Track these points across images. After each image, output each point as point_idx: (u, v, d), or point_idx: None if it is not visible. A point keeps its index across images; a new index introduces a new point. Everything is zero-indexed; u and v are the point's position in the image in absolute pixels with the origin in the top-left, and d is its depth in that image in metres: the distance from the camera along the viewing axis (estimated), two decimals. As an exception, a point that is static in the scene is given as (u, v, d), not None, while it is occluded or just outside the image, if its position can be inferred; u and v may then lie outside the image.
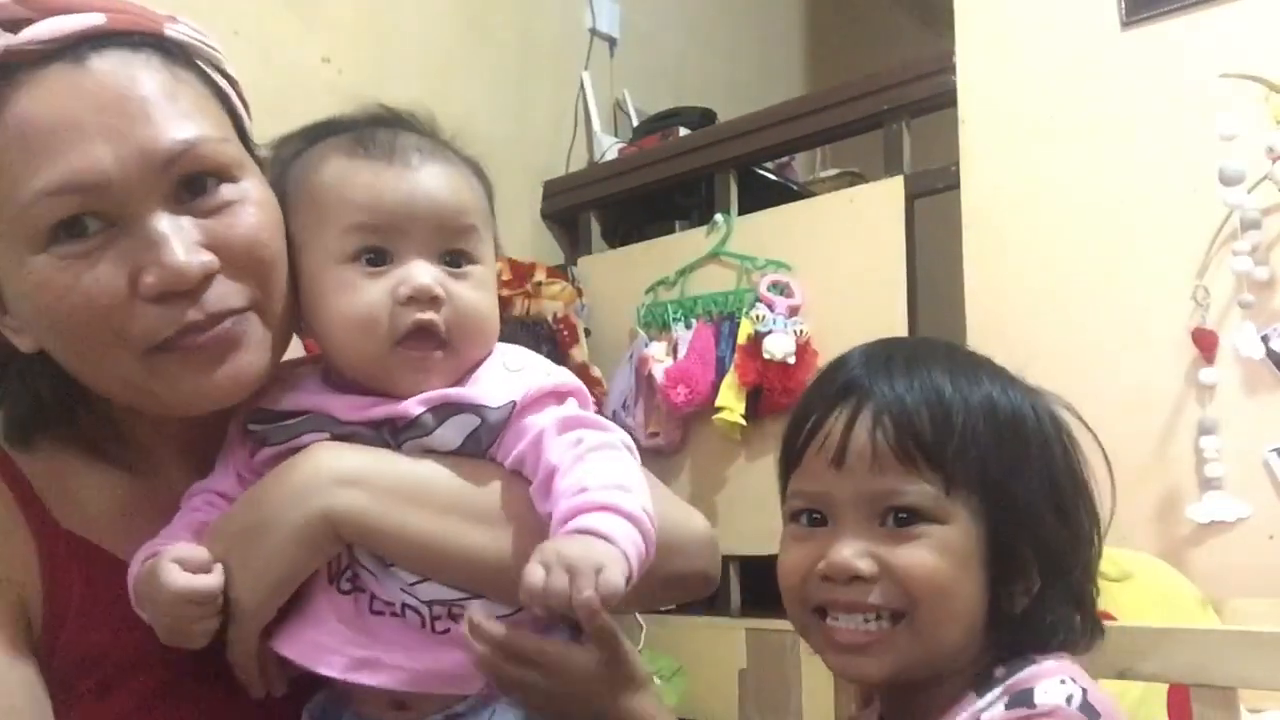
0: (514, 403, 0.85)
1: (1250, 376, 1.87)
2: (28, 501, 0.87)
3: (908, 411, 0.77)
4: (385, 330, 0.84)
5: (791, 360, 2.40)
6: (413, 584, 0.84)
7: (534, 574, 0.72)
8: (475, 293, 0.87)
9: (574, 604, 0.71)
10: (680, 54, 3.62)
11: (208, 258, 0.81)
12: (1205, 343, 1.89)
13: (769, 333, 2.42)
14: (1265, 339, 1.85)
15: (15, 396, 0.91)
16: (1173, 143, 1.97)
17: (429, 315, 0.84)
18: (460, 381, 0.86)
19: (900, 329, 2.33)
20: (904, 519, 0.77)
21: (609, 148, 3.15)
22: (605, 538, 0.75)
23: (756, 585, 2.50)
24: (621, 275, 2.82)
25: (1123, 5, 2.06)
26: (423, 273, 0.84)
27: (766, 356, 2.39)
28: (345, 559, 0.85)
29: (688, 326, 2.62)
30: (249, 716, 0.87)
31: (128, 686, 0.85)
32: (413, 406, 0.84)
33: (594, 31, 3.32)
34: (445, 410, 0.85)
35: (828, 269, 2.47)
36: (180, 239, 0.80)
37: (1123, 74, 2.06)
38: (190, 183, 0.82)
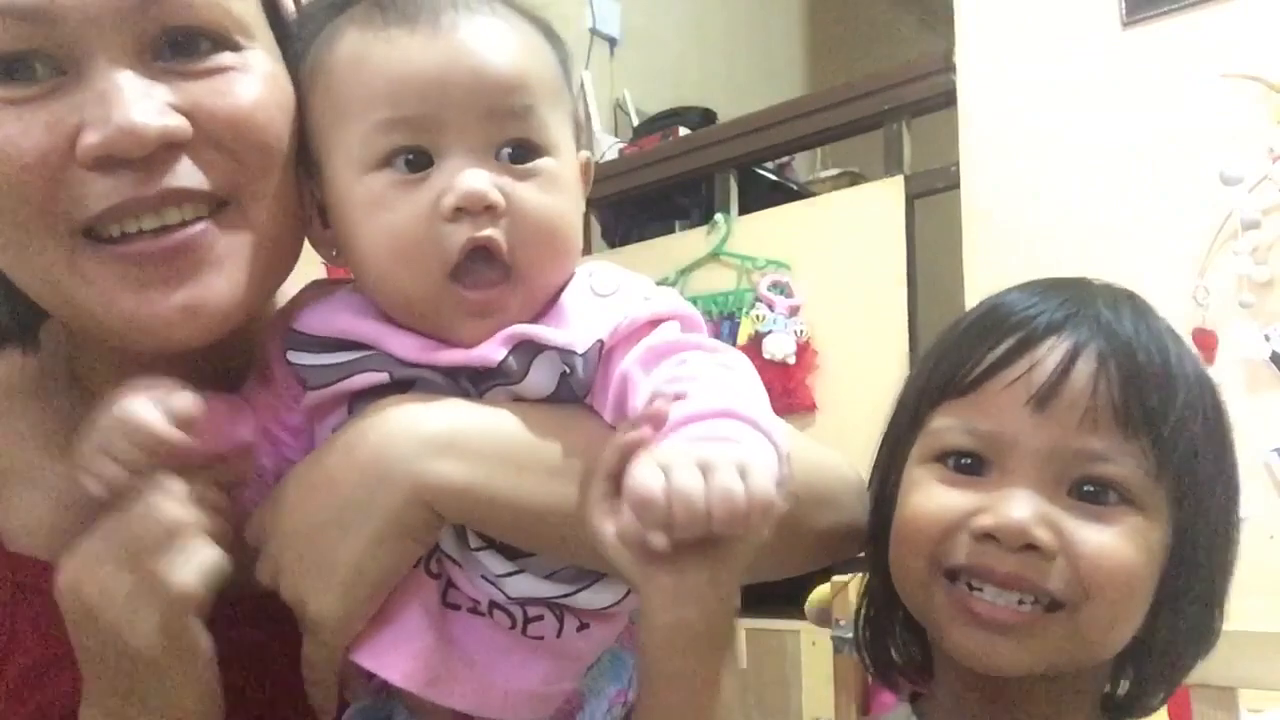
0: (600, 342, 0.65)
1: (1251, 377, 1.87)
2: None
3: (1138, 364, 0.62)
4: (432, 256, 0.64)
5: (791, 360, 2.40)
6: (501, 575, 0.66)
7: (647, 476, 0.53)
8: (545, 195, 0.66)
9: (719, 510, 0.51)
10: (680, 54, 3.62)
11: (173, 121, 0.62)
12: (1205, 343, 1.89)
13: (769, 333, 2.42)
14: (1266, 339, 1.85)
15: None
16: (1173, 143, 1.97)
17: (486, 231, 0.64)
18: (542, 313, 0.67)
19: (900, 329, 2.33)
20: (1094, 493, 0.62)
21: (609, 148, 3.15)
22: (729, 440, 0.56)
23: (757, 585, 2.50)
24: (621, 275, 2.82)
25: (1123, 5, 2.06)
26: (472, 175, 0.64)
27: (766, 356, 2.39)
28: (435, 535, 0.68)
29: (688, 326, 2.62)
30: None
31: None
32: (493, 350, 0.65)
33: (594, 31, 3.31)
34: (531, 348, 0.66)
35: (828, 269, 2.47)
36: (140, 92, 0.61)
37: (1123, 74, 2.06)
38: (174, 39, 0.64)
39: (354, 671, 0.67)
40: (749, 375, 0.65)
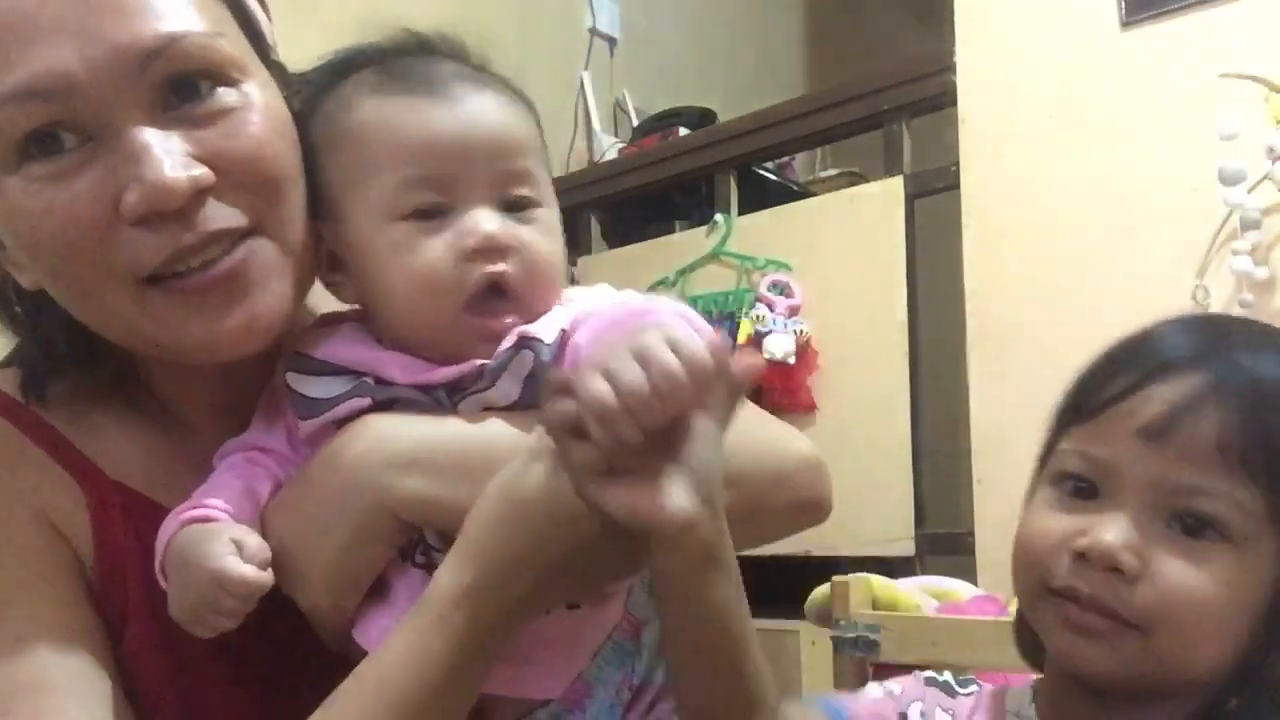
0: (563, 330, 0.74)
1: (1250, 376, 1.87)
2: (67, 455, 0.79)
3: (1267, 407, 0.63)
4: (452, 290, 0.74)
5: (791, 360, 2.40)
6: None
7: (592, 384, 0.58)
8: (545, 239, 0.77)
9: (664, 384, 0.57)
10: (680, 54, 3.62)
11: (198, 171, 0.70)
12: (1205, 343, 1.89)
13: (769, 333, 2.42)
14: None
15: (28, 343, 0.82)
16: (1173, 143, 1.97)
17: (499, 266, 0.74)
18: None
19: (900, 329, 2.33)
20: (1190, 526, 0.64)
21: (609, 148, 3.15)
22: (648, 316, 0.64)
23: (757, 585, 2.49)
24: (621, 275, 2.80)
25: (1123, 5, 2.06)
26: (488, 220, 0.74)
27: (766, 356, 2.39)
28: (415, 532, 0.75)
29: (688, 326, 2.62)
30: (308, 674, 0.76)
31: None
32: (477, 363, 0.74)
33: (594, 31, 3.32)
34: (503, 355, 0.74)
35: (828, 269, 2.47)
36: (165, 149, 0.69)
37: (1123, 74, 2.06)
38: (178, 86, 0.71)
39: (357, 649, 0.75)
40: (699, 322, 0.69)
